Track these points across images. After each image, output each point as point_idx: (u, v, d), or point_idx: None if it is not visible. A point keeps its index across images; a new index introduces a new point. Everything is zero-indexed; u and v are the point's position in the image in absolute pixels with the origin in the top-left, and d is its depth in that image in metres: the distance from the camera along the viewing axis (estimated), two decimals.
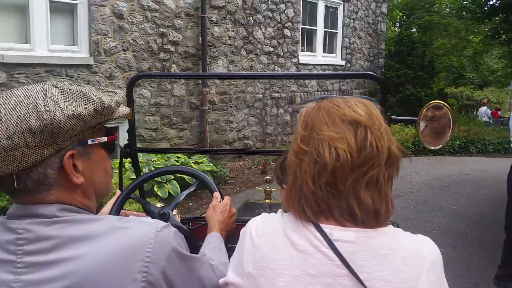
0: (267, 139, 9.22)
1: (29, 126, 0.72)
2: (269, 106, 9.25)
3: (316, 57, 10.64)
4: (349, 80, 11.52)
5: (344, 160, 0.76)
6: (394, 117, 1.54)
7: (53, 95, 0.75)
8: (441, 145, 1.42)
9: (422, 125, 1.41)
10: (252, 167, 7.80)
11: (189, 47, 7.38)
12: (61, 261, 0.72)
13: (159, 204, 1.63)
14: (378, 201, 0.78)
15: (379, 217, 0.79)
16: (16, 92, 0.75)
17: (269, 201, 2.20)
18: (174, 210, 1.54)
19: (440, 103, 1.39)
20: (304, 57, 10.10)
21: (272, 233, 0.82)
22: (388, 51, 13.30)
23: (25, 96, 0.74)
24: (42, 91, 0.75)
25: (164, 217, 1.44)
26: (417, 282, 0.74)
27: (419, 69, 12.28)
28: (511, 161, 3.49)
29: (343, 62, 11.26)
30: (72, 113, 0.75)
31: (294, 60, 9.75)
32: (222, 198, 1.43)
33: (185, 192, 1.58)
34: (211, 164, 6.45)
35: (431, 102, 1.41)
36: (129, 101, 1.71)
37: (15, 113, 0.72)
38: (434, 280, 0.76)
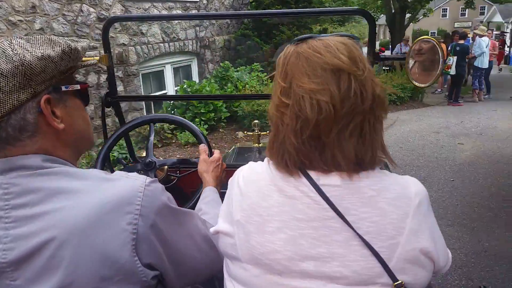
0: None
1: (0, 70, 0.71)
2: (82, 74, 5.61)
3: None
4: (208, 23, 8.33)
5: (327, 113, 0.73)
6: (383, 55, 1.49)
7: (19, 42, 0.75)
8: (430, 82, 1.42)
9: (411, 62, 1.40)
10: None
11: None
12: (49, 212, 0.71)
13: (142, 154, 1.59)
14: (363, 149, 0.76)
15: (363, 164, 0.76)
16: None
17: (258, 145, 2.19)
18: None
19: (429, 38, 1.39)
20: None
21: (259, 181, 0.82)
22: None
23: None
24: (6, 40, 0.76)
25: (150, 165, 1.44)
26: (404, 223, 0.74)
27: (294, 4, 9.61)
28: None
29: None
30: (41, 55, 0.75)
31: None
32: (211, 151, 1.42)
33: (152, 135, 1.56)
34: None
35: (419, 38, 1.39)
36: (106, 47, 1.61)
37: None
38: (421, 219, 0.75)
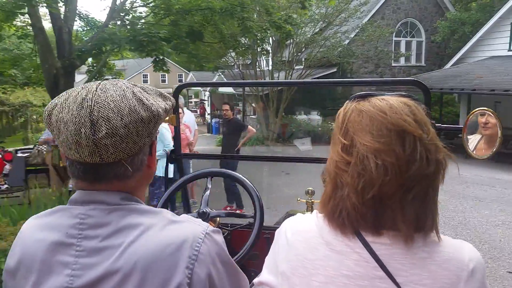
0: None
1: (141, 116, 0.78)
2: None
3: None
4: None
5: (393, 174, 0.72)
6: (439, 125, 1.42)
7: (139, 91, 0.82)
8: (489, 155, 1.35)
9: (475, 136, 1.37)
10: None
11: None
12: (116, 246, 0.75)
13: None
14: (423, 215, 0.74)
15: (423, 229, 0.74)
16: (107, 87, 0.79)
17: (310, 213, 2.15)
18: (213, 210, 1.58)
19: (488, 110, 1.34)
20: None
21: (306, 232, 0.80)
22: None
23: (122, 90, 0.79)
24: (134, 87, 0.82)
25: (204, 215, 1.49)
26: None
27: None
28: None
29: None
30: (164, 107, 0.85)
31: None
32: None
33: (209, 188, 1.62)
34: None
35: (476, 109, 1.36)
36: (175, 109, 1.74)
37: (124, 105, 0.77)
38: (477, 287, 0.72)
